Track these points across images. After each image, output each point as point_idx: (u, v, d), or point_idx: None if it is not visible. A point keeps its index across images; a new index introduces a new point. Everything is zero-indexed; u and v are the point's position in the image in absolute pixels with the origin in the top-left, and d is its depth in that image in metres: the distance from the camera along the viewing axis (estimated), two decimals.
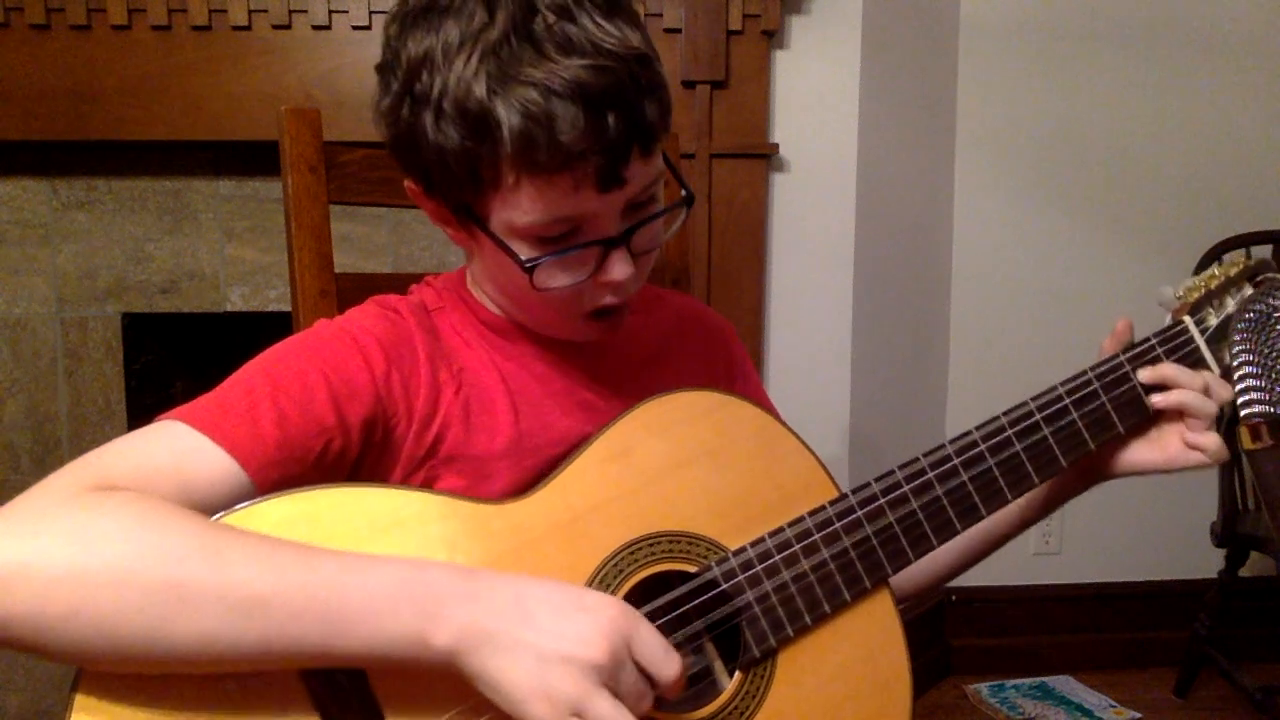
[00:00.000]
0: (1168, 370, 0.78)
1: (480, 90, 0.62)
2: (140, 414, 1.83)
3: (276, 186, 1.38)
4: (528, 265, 0.67)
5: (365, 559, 0.59)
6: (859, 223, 1.82)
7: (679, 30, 1.68)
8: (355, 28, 1.64)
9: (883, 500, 0.73)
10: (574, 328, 0.75)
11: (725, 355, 0.91)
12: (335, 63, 1.66)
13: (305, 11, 1.63)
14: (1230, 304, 0.81)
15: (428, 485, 0.72)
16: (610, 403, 0.78)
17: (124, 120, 1.66)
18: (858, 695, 0.71)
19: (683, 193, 0.73)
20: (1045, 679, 2.15)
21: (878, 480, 0.74)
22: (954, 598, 2.18)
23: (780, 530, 0.71)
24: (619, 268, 0.69)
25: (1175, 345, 0.80)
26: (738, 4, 1.67)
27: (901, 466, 0.75)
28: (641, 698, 0.59)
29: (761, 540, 0.71)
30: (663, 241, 0.74)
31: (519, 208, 0.66)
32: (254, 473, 0.62)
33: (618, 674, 0.58)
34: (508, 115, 0.62)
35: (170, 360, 1.93)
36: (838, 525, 0.72)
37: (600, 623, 0.58)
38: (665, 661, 0.59)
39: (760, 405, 0.78)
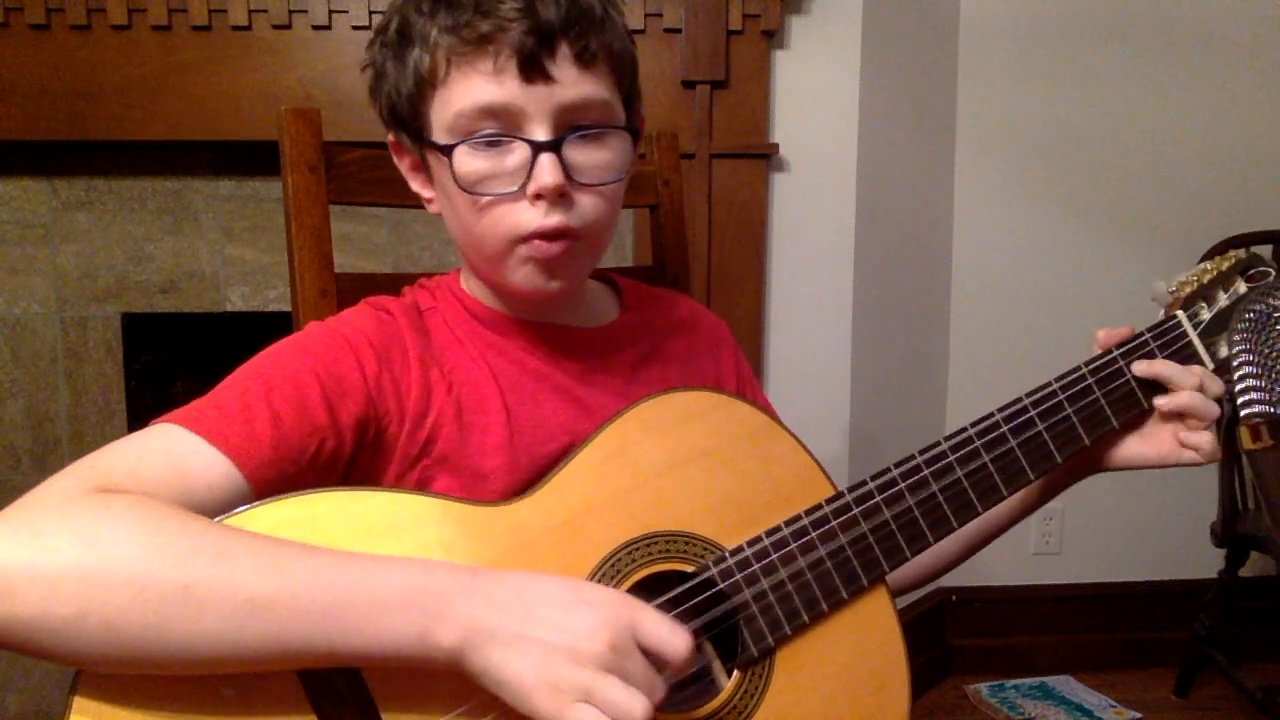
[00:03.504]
0: (1161, 368, 0.78)
1: (424, 6, 0.70)
2: (140, 414, 1.83)
3: (276, 186, 1.38)
4: (448, 146, 0.70)
5: (370, 559, 0.59)
6: (859, 223, 1.82)
7: (679, 30, 1.68)
8: (355, 28, 1.64)
9: (879, 498, 0.73)
10: (519, 267, 0.73)
11: (719, 354, 0.91)
12: (335, 63, 1.66)
13: (305, 11, 1.63)
14: (1222, 298, 0.81)
15: (423, 486, 0.72)
16: (603, 399, 0.78)
17: (124, 120, 1.66)
18: (856, 693, 0.71)
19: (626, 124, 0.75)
20: (1045, 679, 2.15)
21: (873, 478, 0.74)
22: (954, 598, 2.18)
23: (777, 529, 0.71)
24: (547, 172, 0.68)
25: (1168, 340, 0.80)
26: (738, 4, 1.67)
27: (897, 464, 0.75)
28: (652, 685, 0.59)
29: (758, 539, 0.71)
30: (616, 177, 0.73)
31: (449, 102, 0.70)
32: (250, 473, 0.63)
33: (624, 661, 0.58)
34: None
35: (170, 360, 1.93)
36: (834, 523, 0.72)
37: (603, 613, 0.58)
38: (672, 638, 0.59)
39: (756, 404, 0.78)
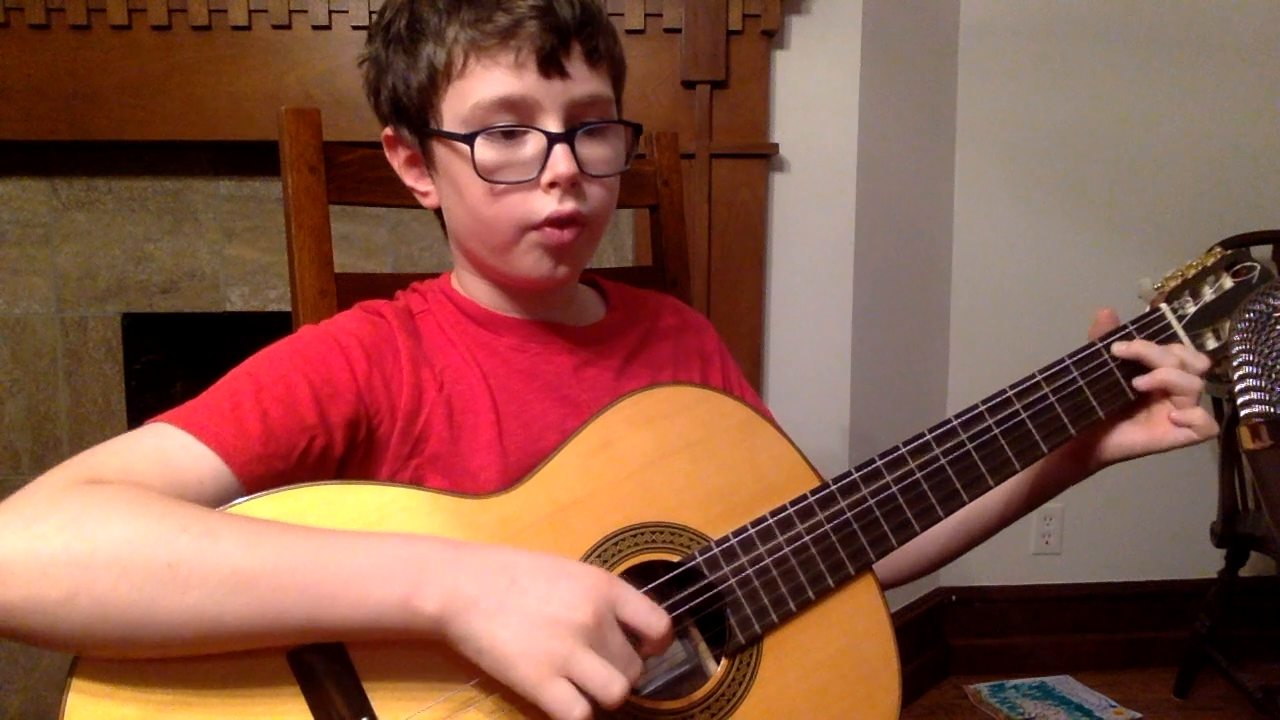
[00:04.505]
0: (1141, 348, 0.78)
1: (440, 2, 0.73)
2: (140, 414, 1.83)
3: (276, 186, 1.39)
4: (468, 135, 0.72)
5: (353, 534, 0.61)
6: (859, 223, 1.82)
7: (679, 30, 1.68)
8: (355, 28, 1.64)
9: (865, 489, 0.74)
10: (528, 253, 0.76)
11: (706, 352, 0.92)
12: (335, 63, 1.66)
13: (305, 11, 1.63)
14: (1208, 292, 0.82)
15: (415, 484, 0.72)
16: (592, 397, 0.79)
17: (124, 120, 1.66)
18: (845, 680, 0.72)
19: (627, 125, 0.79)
20: (1045, 679, 2.15)
21: (858, 468, 0.75)
22: (954, 598, 2.18)
23: (762, 519, 0.72)
24: (562, 162, 0.72)
25: (1152, 331, 0.80)
26: (738, 4, 1.67)
27: (882, 455, 0.75)
28: (630, 660, 0.60)
29: (744, 529, 0.72)
30: (618, 169, 0.78)
31: (467, 94, 0.72)
32: (239, 469, 0.64)
33: (603, 635, 0.59)
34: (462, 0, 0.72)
35: (170, 360, 1.93)
36: (820, 514, 0.73)
37: (584, 587, 0.59)
38: (651, 617, 0.60)
39: (742, 399, 0.79)
